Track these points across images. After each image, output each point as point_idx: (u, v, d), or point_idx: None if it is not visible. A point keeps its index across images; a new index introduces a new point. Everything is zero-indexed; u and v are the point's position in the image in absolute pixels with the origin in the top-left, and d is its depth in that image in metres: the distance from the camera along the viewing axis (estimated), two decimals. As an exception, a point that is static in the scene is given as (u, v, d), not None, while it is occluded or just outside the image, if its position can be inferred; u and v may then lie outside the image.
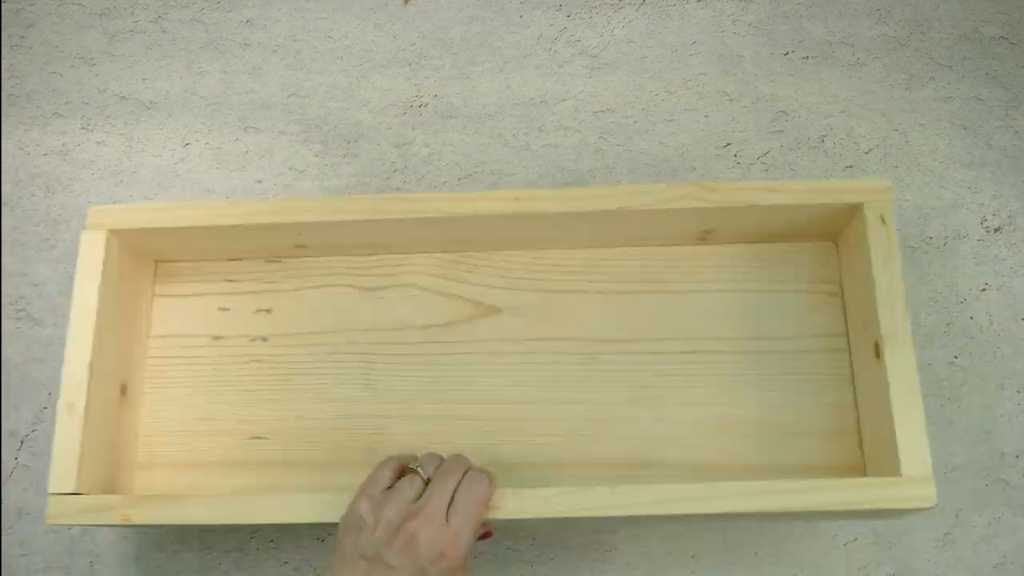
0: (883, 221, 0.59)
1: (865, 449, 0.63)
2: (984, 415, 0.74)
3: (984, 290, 0.74)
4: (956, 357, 0.74)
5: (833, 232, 0.67)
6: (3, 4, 0.75)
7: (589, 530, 0.73)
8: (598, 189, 0.62)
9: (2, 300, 0.73)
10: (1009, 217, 0.75)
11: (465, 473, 0.55)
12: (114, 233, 0.63)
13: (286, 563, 0.72)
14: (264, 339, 0.69)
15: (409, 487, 0.54)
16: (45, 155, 0.74)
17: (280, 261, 0.69)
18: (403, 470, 0.57)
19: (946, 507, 0.73)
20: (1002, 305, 0.74)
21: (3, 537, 0.72)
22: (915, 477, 0.55)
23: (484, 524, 0.56)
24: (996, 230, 0.75)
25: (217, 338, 0.69)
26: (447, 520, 0.52)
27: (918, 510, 0.56)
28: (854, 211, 0.62)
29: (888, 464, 0.57)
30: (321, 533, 0.72)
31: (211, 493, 0.63)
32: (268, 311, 0.69)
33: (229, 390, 0.68)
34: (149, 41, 0.75)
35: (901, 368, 0.57)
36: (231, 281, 0.69)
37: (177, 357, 0.68)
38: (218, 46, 0.75)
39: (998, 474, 0.73)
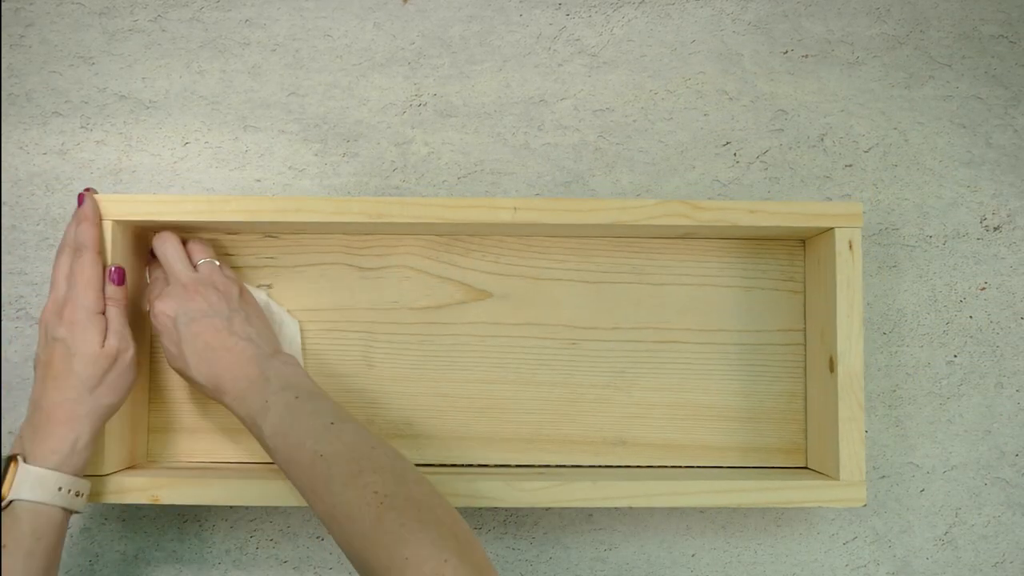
0: (850, 247, 0.65)
1: (808, 437, 0.72)
2: (983, 414, 0.74)
3: (983, 289, 0.74)
4: (955, 356, 0.74)
5: (803, 237, 0.72)
6: (3, 4, 0.75)
7: (589, 529, 0.73)
8: (592, 202, 0.66)
9: (2, 300, 0.73)
10: (1008, 216, 0.75)
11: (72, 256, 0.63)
12: (118, 223, 0.65)
13: (286, 563, 0.72)
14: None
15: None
16: (44, 154, 0.74)
17: (277, 237, 0.72)
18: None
19: (946, 506, 0.73)
20: (1001, 304, 0.74)
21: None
22: (851, 481, 0.64)
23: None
24: (995, 229, 0.75)
25: None
26: (65, 295, 0.61)
27: (850, 509, 0.72)
28: (825, 231, 0.68)
29: (830, 464, 0.67)
30: (321, 532, 0.72)
31: (236, 474, 0.67)
32: (269, 286, 0.72)
33: None
34: (148, 40, 0.75)
35: (850, 384, 0.65)
36: (230, 255, 0.72)
37: None
38: (217, 45, 0.75)
39: (997, 473, 0.73)
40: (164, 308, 0.63)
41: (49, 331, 0.60)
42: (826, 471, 0.67)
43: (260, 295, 0.70)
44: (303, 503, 0.63)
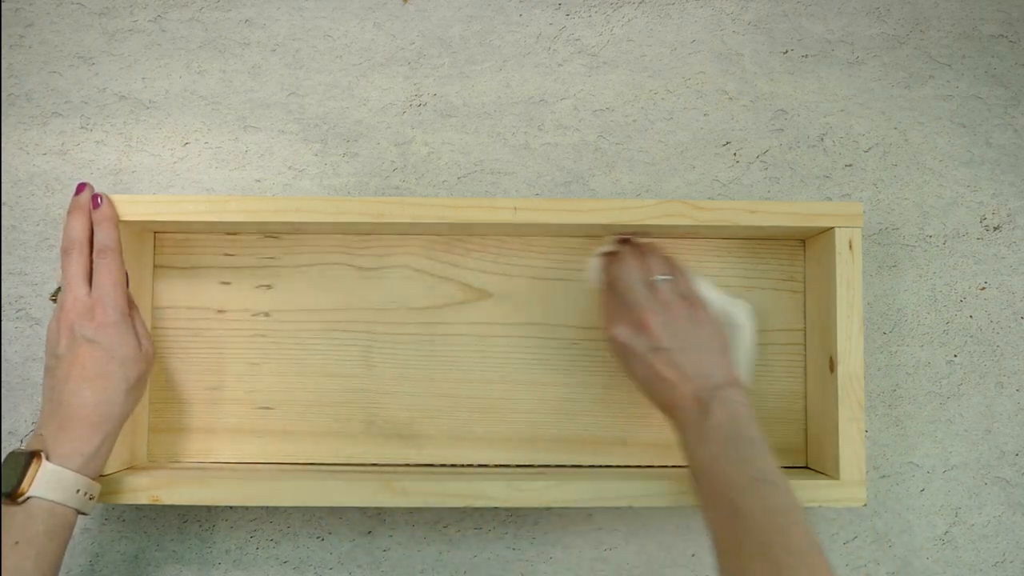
0: (850, 247, 0.65)
1: (808, 437, 0.72)
2: (983, 413, 0.74)
3: (983, 288, 0.74)
4: (955, 355, 0.74)
5: (803, 236, 0.72)
6: (3, 4, 0.75)
7: (589, 529, 0.73)
8: (592, 202, 0.66)
9: (2, 300, 0.73)
10: (1008, 215, 0.75)
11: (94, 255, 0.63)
12: (120, 224, 0.65)
13: (286, 563, 0.72)
14: (267, 315, 0.72)
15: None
16: (44, 154, 0.74)
17: (277, 237, 0.72)
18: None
19: (946, 506, 0.73)
20: (1001, 304, 0.74)
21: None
22: (851, 481, 0.64)
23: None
24: (995, 228, 0.75)
25: (221, 311, 0.72)
26: (89, 299, 0.61)
27: (850, 509, 0.72)
28: (825, 230, 0.67)
29: (830, 464, 0.67)
30: (321, 532, 0.72)
31: (236, 474, 0.67)
32: (268, 287, 0.72)
33: (236, 362, 0.72)
34: (148, 40, 0.75)
35: (850, 384, 0.65)
36: (230, 255, 0.72)
37: (183, 328, 0.72)
38: (217, 45, 0.75)
39: (997, 472, 0.73)
40: (619, 336, 0.63)
41: (78, 331, 0.60)
42: (826, 471, 0.67)
43: (713, 294, 0.66)
44: (303, 503, 0.63)
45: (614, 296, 0.65)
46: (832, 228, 0.66)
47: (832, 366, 0.66)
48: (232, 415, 0.71)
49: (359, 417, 0.71)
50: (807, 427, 0.72)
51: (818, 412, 0.69)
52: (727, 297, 0.66)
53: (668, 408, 0.62)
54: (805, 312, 0.72)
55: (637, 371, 0.63)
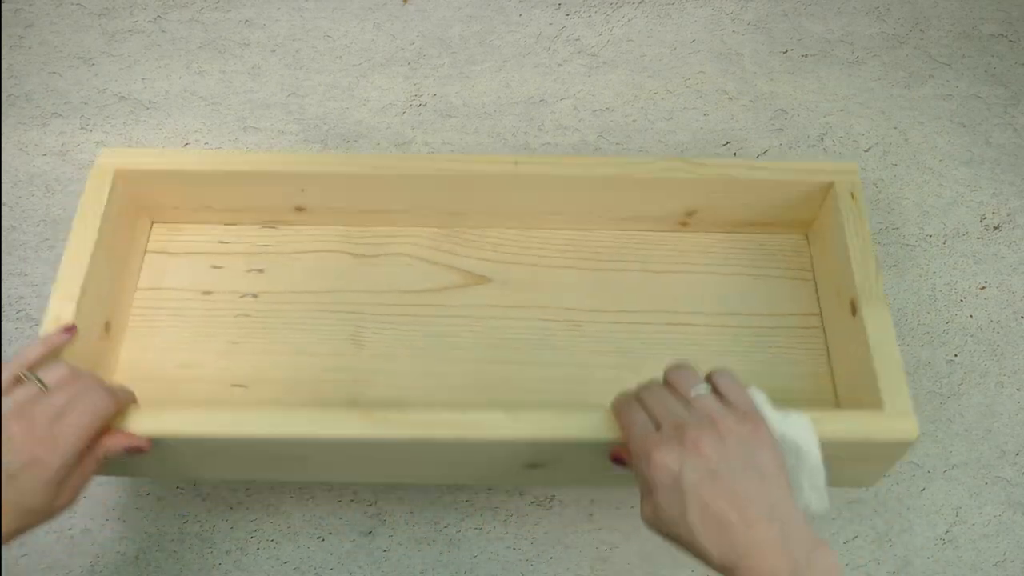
0: (852, 197, 0.63)
1: (838, 390, 0.66)
2: (984, 413, 0.74)
3: (984, 288, 0.74)
4: (956, 355, 0.74)
5: (805, 222, 0.69)
6: (3, 4, 0.75)
7: (589, 529, 0.73)
8: (593, 158, 0.64)
9: (2, 300, 0.73)
10: (1008, 215, 0.75)
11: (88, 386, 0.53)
12: (120, 174, 0.62)
13: (286, 563, 0.72)
14: (255, 296, 0.69)
15: (22, 392, 0.51)
16: (44, 155, 0.74)
17: (276, 227, 0.70)
18: (18, 378, 0.53)
19: (946, 505, 0.73)
20: (1002, 303, 0.74)
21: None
22: (898, 411, 0.56)
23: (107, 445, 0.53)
24: (995, 228, 0.75)
25: (207, 293, 0.69)
26: (49, 426, 0.49)
27: (901, 443, 0.56)
28: (826, 192, 0.65)
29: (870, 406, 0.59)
30: (321, 533, 0.72)
31: (197, 406, 0.62)
32: (261, 271, 0.69)
33: (214, 340, 0.68)
34: (148, 41, 0.75)
35: (878, 318, 0.60)
36: (226, 243, 0.70)
37: (165, 308, 0.68)
38: (217, 46, 0.75)
39: (998, 472, 0.74)
40: (666, 460, 0.47)
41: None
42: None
43: (766, 410, 0.51)
44: (271, 433, 0.54)
45: (647, 429, 0.50)
46: (832, 182, 0.64)
47: (854, 309, 0.62)
48: (203, 394, 0.67)
49: (340, 395, 0.67)
50: (838, 401, 0.66)
51: (847, 371, 0.64)
52: (781, 412, 0.52)
53: (729, 569, 0.46)
54: (817, 291, 0.70)
55: (687, 514, 0.46)
